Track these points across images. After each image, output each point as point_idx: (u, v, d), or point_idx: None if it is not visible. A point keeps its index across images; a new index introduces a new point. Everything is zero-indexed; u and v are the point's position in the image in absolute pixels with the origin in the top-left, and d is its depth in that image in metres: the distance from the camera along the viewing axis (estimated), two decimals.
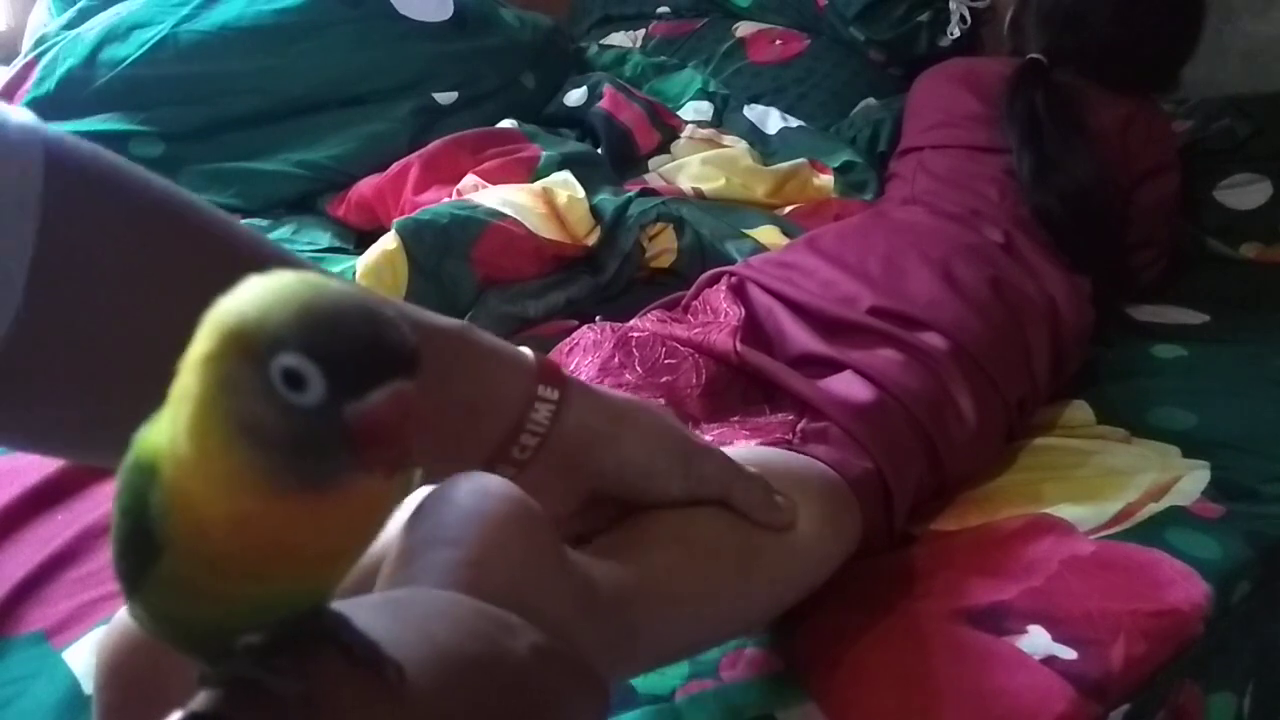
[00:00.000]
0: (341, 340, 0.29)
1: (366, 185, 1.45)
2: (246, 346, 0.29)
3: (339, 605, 0.36)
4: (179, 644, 0.35)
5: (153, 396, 0.32)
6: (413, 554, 0.46)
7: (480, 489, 0.50)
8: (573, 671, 0.40)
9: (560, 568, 0.52)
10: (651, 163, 1.59)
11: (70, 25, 1.59)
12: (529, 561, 0.49)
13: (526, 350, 0.59)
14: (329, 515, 0.31)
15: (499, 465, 0.57)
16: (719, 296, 0.99)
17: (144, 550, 0.32)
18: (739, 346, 0.89)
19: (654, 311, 1.01)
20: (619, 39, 2.01)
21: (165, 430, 0.31)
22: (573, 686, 0.40)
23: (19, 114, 0.44)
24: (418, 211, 1.25)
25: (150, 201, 0.48)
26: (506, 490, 0.50)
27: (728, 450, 0.78)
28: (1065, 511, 0.87)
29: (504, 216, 1.23)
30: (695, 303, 1.01)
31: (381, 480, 0.30)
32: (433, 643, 0.36)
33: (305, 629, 0.34)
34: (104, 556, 0.81)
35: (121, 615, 0.55)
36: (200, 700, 0.32)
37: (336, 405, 0.28)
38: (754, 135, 1.65)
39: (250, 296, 0.30)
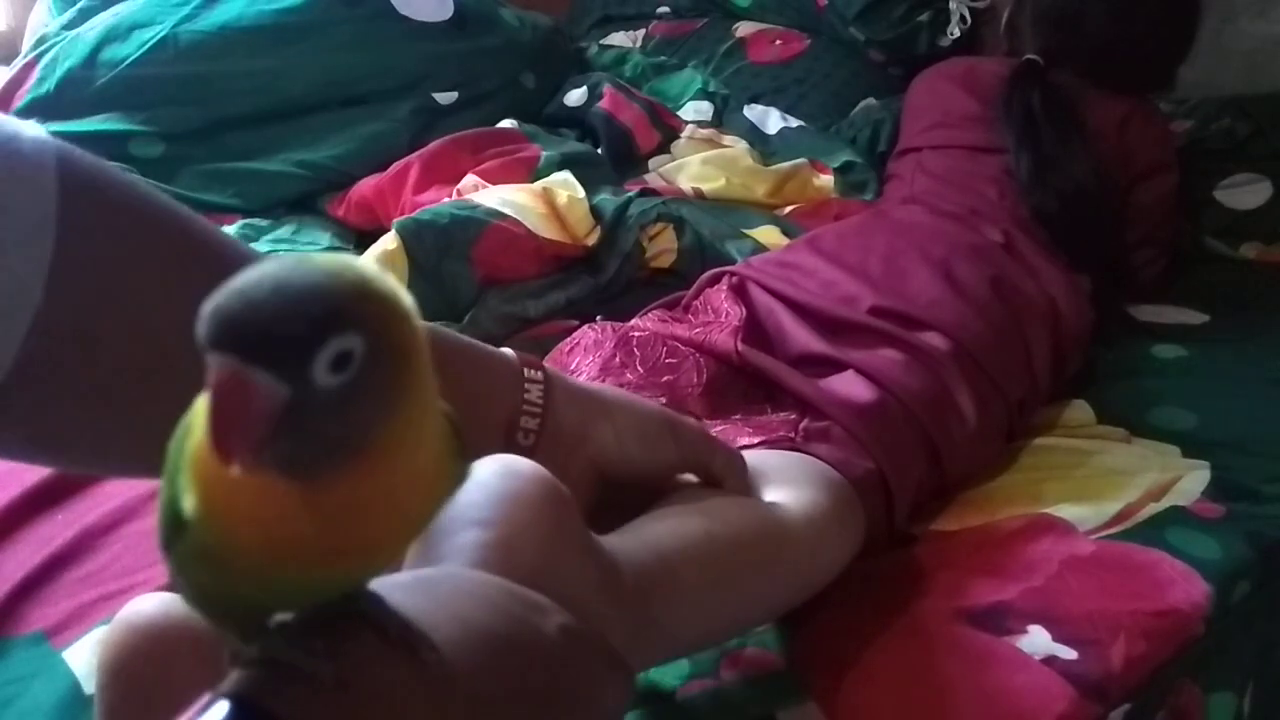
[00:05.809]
0: (218, 296, 0.28)
1: (366, 185, 1.44)
2: None
3: (371, 584, 0.36)
4: (213, 617, 0.35)
5: (162, 400, 0.32)
6: (441, 533, 0.46)
7: (509, 470, 0.50)
8: (599, 653, 0.40)
9: (586, 551, 0.52)
10: (651, 163, 1.58)
11: (70, 25, 1.59)
12: (556, 543, 0.49)
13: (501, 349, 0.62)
14: (322, 507, 0.30)
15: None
16: (720, 296, 0.99)
17: (174, 521, 0.32)
18: (740, 346, 0.89)
19: (655, 311, 1.01)
20: (619, 39, 2.01)
21: None
22: (600, 668, 0.40)
23: (30, 128, 0.45)
24: (418, 211, 1.25)
25: (153, 210, 0.49)
26: (535, 472, 0.50)
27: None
28: (1065, 511, 0.87)
29: (504, 216, 1.22)
30: (696, 302, 1.01)
31: (383, 476, 0.30)
32: (465, 623, 0.36)
33: (339, 608, 0.34)
34: (104, 556, 0.82)
35: (123, 615, 0.55)
36: (232, 682, 0.32)
37: None
38: (754, 135, 1.64)
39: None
